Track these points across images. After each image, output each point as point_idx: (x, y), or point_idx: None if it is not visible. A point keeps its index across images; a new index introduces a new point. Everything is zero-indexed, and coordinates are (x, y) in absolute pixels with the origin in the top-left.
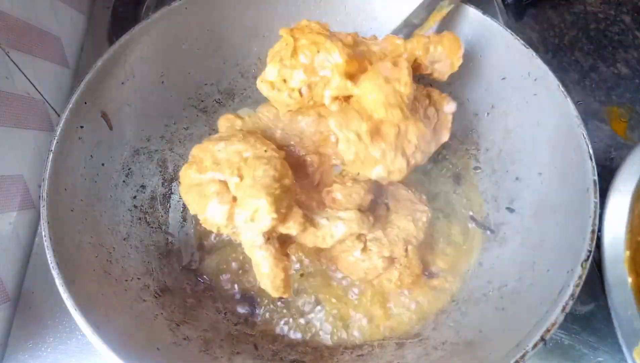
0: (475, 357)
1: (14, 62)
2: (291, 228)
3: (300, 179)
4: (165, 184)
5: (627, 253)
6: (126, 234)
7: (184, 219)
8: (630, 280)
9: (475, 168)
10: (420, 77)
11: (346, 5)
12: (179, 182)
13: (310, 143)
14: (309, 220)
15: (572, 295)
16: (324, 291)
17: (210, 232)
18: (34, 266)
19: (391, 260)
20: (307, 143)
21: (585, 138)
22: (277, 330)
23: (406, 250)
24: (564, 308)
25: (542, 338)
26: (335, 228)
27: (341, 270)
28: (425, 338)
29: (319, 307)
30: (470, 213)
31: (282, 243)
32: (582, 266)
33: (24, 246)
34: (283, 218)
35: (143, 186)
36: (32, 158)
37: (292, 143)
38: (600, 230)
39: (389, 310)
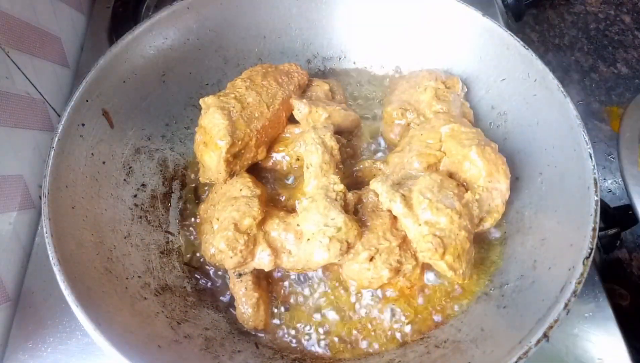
0: (477, 355)
1: (14, 62)
2: (261, 264)
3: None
4: (166, 183)
5: None
6: (127, 232)
7: (184, 218)
8: None
9: None
10: None
11: (346, 6)
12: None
13: None
14: (279, 252)
15: (574, 292)
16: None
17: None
18: (34, 266)
19: (397, 271)
20: None
21: (585, 138)
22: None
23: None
24: (566, 305)
25: (545, 335)
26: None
27: (345, 276)
28: (426, 337)
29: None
30: None
31: (260, 277)
32: (583, 263)
33: (24, 246)
34: (243, 259)
35: (144, 185)
36: (32, 158)
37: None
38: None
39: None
